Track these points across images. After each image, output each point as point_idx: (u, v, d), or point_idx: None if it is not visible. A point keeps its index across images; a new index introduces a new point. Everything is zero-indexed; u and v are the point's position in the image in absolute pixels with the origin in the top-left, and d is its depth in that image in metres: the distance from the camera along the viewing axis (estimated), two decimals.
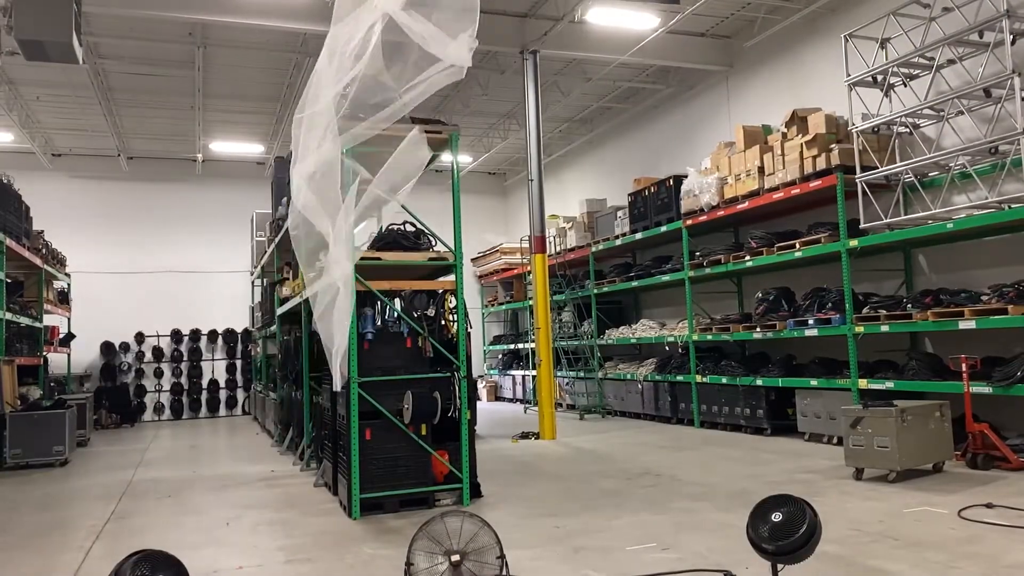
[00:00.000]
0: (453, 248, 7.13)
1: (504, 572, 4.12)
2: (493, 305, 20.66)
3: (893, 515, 5.88)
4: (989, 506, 5.99)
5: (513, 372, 19.18)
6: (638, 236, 13.80)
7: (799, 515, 3.64)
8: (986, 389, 7.79)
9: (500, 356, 20.66)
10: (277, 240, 12.25)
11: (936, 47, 8.57)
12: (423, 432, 6.81)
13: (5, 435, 10.54)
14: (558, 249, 16.56)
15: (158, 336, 19.01)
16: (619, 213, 14.61)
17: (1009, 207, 7.82)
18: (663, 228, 13.03)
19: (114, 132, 15.96)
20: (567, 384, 16.26)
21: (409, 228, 7.39)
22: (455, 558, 4.05)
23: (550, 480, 8.22)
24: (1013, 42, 7.91)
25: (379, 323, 7.13)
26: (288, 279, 11.24)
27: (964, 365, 7.76)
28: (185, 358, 19.18)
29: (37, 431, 10.68)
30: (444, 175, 20.83)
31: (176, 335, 19.13)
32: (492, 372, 20.71)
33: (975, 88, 8.17)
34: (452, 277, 7.21)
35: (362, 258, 6.84)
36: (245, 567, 5.21)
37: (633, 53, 12.20)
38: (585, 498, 7.12)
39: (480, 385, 20.52)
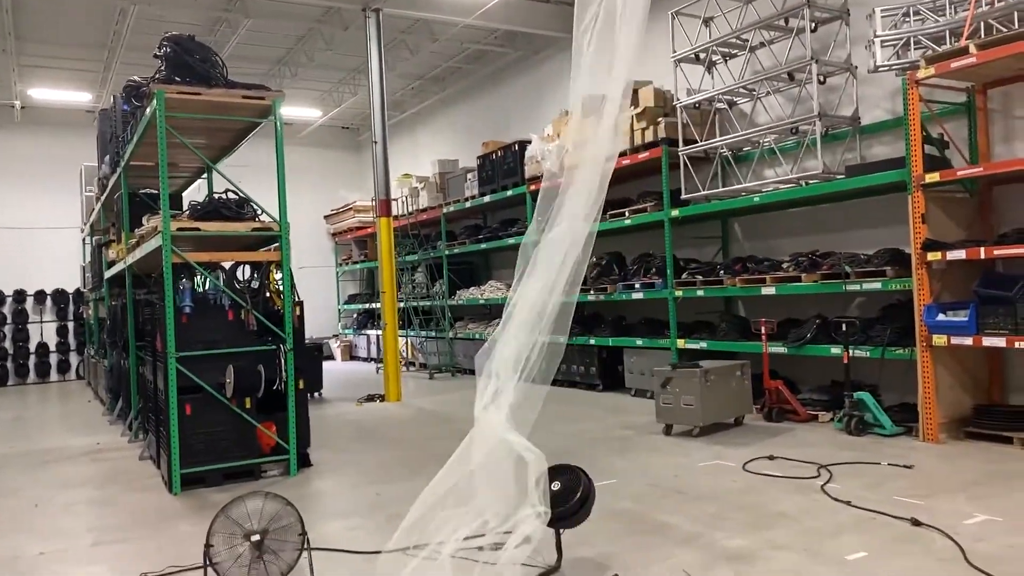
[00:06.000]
0: (278, 218, 7.02)
1: (306, 548, 4.26)
2: (347, 264, 20.43)
3: (688, 470, 6.47)
4: (771, 458, 6.69)
5: (368, 332, 19.12)
6: (486, 199, 14.02)
7: (575, 482, 3.98)
8: (782, 349, 8.59)
9: (355, 316, 20.53)
10: (103, 199, 11.58)
11: (749, 30, 9.14)
12: (247, 405, 6.79)
13: None
14: (411, 209, 16.54)
15: None
16: (469, 175, 14.75)
17: (806, 183, 8.57)
18: (509, 192, 13.30)
19: None
20: (419, 344, 16.44)
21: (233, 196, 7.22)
22: (255, 538, 4.15)
23: (385, 445, 8.41)
24: (814, 29, 8.59)
25: (204, 297, 6.98)
26: (115, 241, 10.69)
27: (763, 328, 8.52)
28: (9, 320, 17.85)
29: None
30: (296, 128, 20.19)
31: None
32: (347, 332, 20.57)
33: (781, 71, 8.82)
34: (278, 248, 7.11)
35: (179, 228, 6.64)
36: (47, 552, 5.08)
37: (477, 16, 12.23)
38: (414, 464, 7.34)
39: (335, 344, 20.36)
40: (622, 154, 10.74)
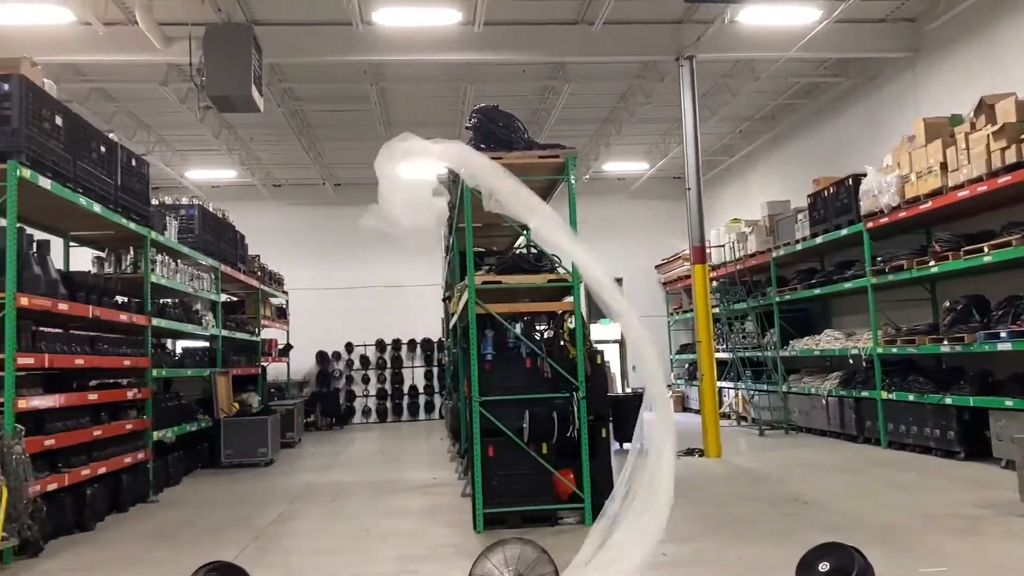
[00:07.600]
0: (570, 269, 7.20)
1: None
2: (678, 313, 20.24)
3: None
4: None
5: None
6: (818, 240, 12.95)
7: (847, 564, 3.37)
8: None
9: (687, 366, 20.14)
10: (447, 259, 13.00)
11: None
12: (544, 451, 6.96)
13: (220, 438, 12.10)
14: (738, 255, 15.92)
15: (364, 346, 20.75)
16: (800, 216, 13.77)
17: None
18: (843, 231, 12.12)
19: (316, 163, 17.70)
20: (751, 397, 15.57)
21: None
22: None
23: (688, 502, 8.00)
24: None
25: (505, 345, 7.40)
26: (452, 296, 11.90)
27: None
28: (388, 366, 20.76)
29: (246, 435, 12.15)
30: (627, 182, 20.83)
31: (380, 344, 20.77)
32: (679, 383, 20.25)
33: None
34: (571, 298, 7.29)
35: (483, 282, 7.15)
36: (357, 574, 5.68)
37: (799, 48, 11.47)
38: (712, 524, 6.90)
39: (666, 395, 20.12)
40: (976, 180, 9.21)
